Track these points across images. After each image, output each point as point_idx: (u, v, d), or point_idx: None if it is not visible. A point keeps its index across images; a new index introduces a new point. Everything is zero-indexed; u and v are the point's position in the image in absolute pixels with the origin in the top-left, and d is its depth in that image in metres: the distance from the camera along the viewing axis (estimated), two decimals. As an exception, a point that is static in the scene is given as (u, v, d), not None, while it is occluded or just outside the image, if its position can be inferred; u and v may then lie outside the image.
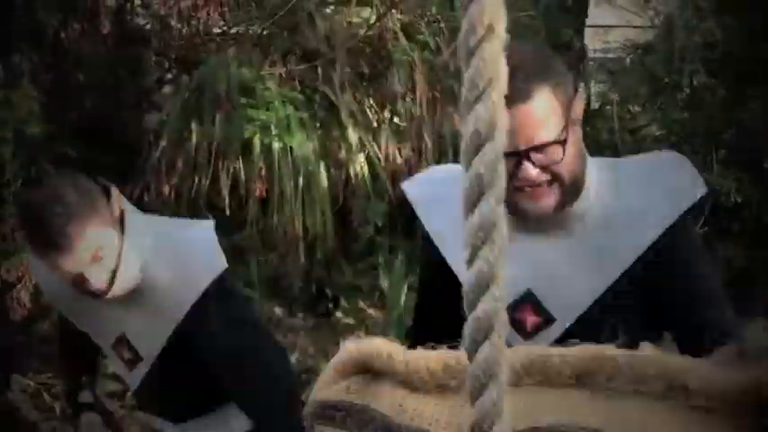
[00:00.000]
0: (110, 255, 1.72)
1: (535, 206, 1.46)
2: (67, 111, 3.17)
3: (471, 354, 0.55)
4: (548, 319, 1.46)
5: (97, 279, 1.71)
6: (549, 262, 1.50)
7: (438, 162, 3.24)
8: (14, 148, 2.85)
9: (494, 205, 0.60)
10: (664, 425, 0.67)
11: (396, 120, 3.49)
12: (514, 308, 1.45)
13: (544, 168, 1.43)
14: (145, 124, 3.37)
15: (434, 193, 1.61)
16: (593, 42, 5.35)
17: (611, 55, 5.25)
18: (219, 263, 1.75)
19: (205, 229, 1.80)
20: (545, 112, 1.42)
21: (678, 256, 1.48)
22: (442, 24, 3.58)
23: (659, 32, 4.80)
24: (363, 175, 3.38)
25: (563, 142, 1.42)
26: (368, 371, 0.83)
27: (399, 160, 3.41)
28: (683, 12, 4.58)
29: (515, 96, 1.39)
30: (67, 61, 3.10)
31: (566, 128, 1.44)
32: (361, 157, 3.39)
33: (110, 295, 1.75)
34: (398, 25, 3.47)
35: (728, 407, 0.66)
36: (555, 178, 1.44)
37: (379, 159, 3.40)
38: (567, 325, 1.44)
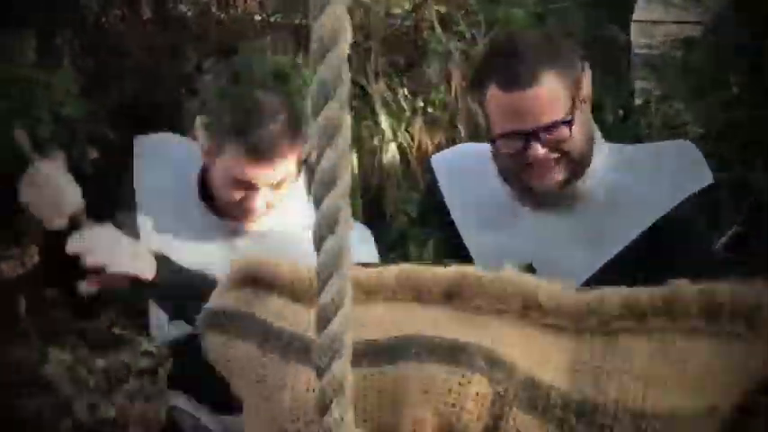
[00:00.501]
0: (283, 191, 1.74)
1: (542, 182, 1.55)
2: (107, 94, 3.26)
3: (321, 285, 0.61)
4: None
5: (263, 204, 1.73)
6: (552, 237, 1.58)
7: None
8: (53, 128, 2.94)
9: (338, 108, 0.65)
10: (521, 339, 0.74)
11: (429, 109, 3.52)
12: None
13: (552, 147, 1.51)
14: (184, 109, 3.45)
15: (457, 166, 1.69)
16: (639, 37, 5.31)
17: (656, 51, 5.21)
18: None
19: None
20: (551, 95, 1.53)
21: (675, 241, 1.52)
22: (480, 17, 3.59)
23: (707, 29, 4.75)
24: (395, 165, 3.41)
25: (569, 122, 1.49)
26: (257, 283, 0.94)
27: (431, 149, 3.44)
28: (732, 9, 4.52)
29: (522, 81, 1.48)
30: (108, 46, 3.19)
31: (572, 108, 1.52)
32: (393, 146, 3.43)
33: (247, 228, 1.79)
34: (435, 16, 3.50)
35: (583, 327, 0.75)
36: (562, 155, 1.52)
37: (411, 148, 3.42)
38: None
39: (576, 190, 1.59)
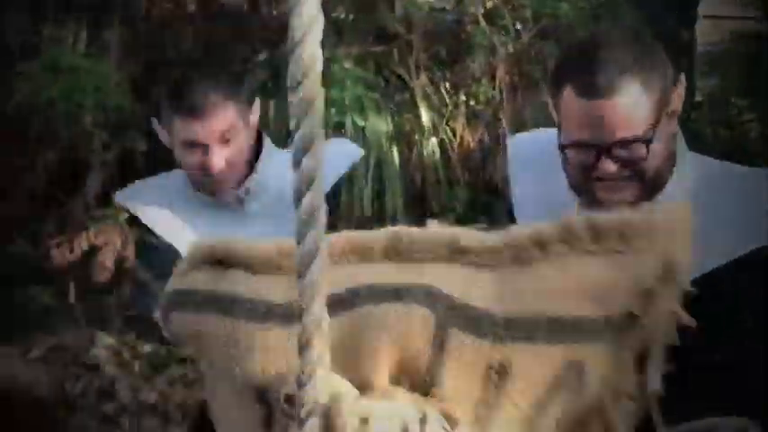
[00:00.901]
0: (237, 148, 1.77)
1: (611, 199, 1.40)
2: (155, 86, 3.34)
3: (299, 239, 0.73)
4: None
5: (219, 160, 1.76)
6: None
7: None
8: (96, 117, 3.03)
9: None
10: (452, 277, 0.91)
11: (472, 103, 3.48)
12: None
13: (625, 164, 1.37)
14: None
15: (532, 153, 1.58)
16: (702, 33, 5.14)
17: (720, 47, 5.03)
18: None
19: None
20: (631, 108, 1.35)
21: (730, 296, 1.38)
22: (527, 11, 3.53)
23: (772, 24, 4.56)
24: (434, 159, 3.39)
25: (648, 141, 1.35)
26: (215, 262, 0.99)
27: (473, 144, 3.40)
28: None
29: (601, 90, 1.34)
30: (155, 38, 3.27)
31: (654, 125, 1.36)
32: (434, 141, 3.40)
33: (228, 194, 1.79)
34: (481, 10, 3.46)
35: (499, 261, 0.92)
36: (636, 174, 1.38)
37: (451, 143, 3.39)
38: None
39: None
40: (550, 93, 1.49)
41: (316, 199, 0.71)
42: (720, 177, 1.48)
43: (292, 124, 0.72)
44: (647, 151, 1.38)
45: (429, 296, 0.88)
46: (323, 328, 0.71)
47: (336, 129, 3.28)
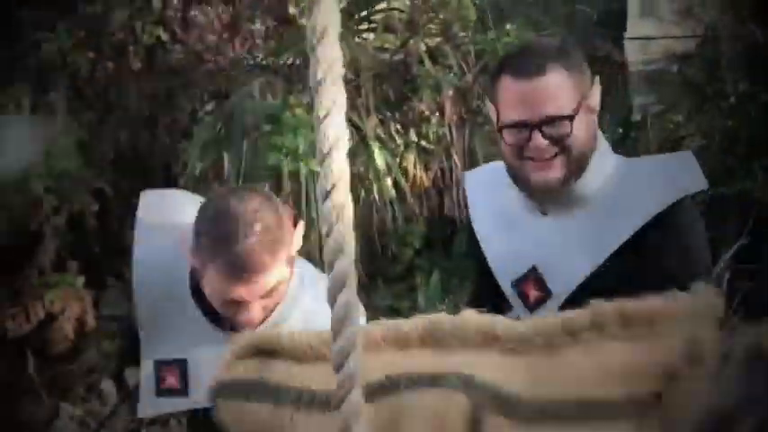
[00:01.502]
0: (278, 297, 1.59)
1: (541, 177, 1.57)
2: (103, 145, 3.30)
3: (335, 333, 0.75)
4: (548, 294, 1.59)
5: (259, 314, 1.57)
6: (554, 241, 1.60)
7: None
8: (47, 182, 2.97)
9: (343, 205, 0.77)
10: (486, 363, 0.95)
11: (423, 142, 3.52)
12: (519, 283, 1.61)
13: (553, 141, 1.54)
14: (178, 157, 3.47)
15: (483, 179, 1.75)
16: (634, 54, 5.29)
17: (653, 66, 5.18)
18: None
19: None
20: (557, 88, 1.55)
21: (667, 238, 1.56)
22: (470, 47, 3.60)
23: (701, 41, 4.72)
24: (390, 198, 3.41)
25: (571, 118, 1.53)
26: (260, 353, 1.04)
27: (427, 182, 3.44)
28: (725, 19, 4.49)
29: (530, 70, 1.55)
30: (101, 99, 3.24)
31: (577, 108, 1.55)
32: (389, 181, 3.43)
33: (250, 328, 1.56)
34: (424, 49, 3.51)
35: (531, 348, 0.95)
36: (562, 151, 1.55)
37: (406, 181, 3.42)
38: (564, 298, 1.57)
39: (575, 194, 1.59)
40: (491, 85, 1.63)
41: (350, 295, 0.72)
42: (639, 166, 1.66)
43: (323, 230, 0.74)
44: (571, 129, 1.53)
45: (465, 382, 0.92)
46: (361, 417, 0.74)
47: (292, 176, 3.27)
